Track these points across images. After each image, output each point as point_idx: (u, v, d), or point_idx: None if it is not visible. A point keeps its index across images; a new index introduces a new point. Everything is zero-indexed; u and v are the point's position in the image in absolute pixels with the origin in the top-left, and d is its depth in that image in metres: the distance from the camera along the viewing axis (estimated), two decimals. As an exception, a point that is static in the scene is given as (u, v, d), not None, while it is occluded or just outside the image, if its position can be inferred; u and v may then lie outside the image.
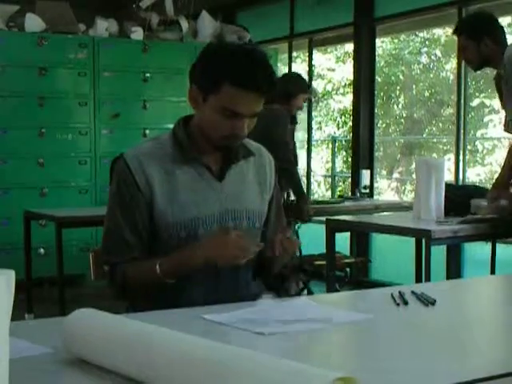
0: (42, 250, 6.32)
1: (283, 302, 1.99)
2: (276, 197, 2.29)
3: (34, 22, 6.64)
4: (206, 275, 2.06)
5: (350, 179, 7.64)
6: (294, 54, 8.34)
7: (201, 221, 2.07)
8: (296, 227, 5.43)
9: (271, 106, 4.14)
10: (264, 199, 2.22)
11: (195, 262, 1.99)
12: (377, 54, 7.28)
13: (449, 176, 6.18)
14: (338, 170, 9.05)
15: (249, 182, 2.18)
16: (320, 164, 9.75)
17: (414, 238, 4.30)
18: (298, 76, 5.60)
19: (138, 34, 7.14)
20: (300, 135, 8.95)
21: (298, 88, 5.31)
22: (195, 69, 2.06)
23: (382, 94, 8.65)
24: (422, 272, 4.13)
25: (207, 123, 2.04)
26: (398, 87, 9.55)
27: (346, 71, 9.47)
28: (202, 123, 2.06)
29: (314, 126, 8.66)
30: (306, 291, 5.63)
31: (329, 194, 8.96)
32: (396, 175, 9.71)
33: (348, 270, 6.21)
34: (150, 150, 2.10)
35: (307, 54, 8.05)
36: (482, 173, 8.33)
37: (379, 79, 8.00)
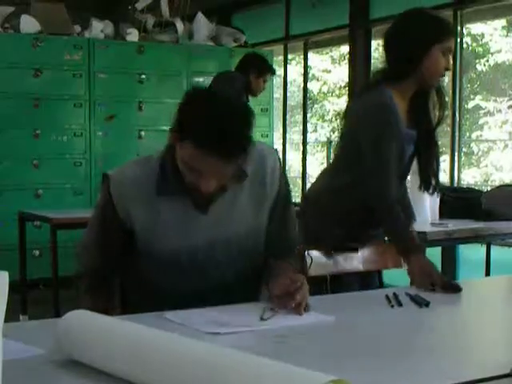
0: (36, 252, 6.31)
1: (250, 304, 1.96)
2: (281, 209, 2.11)
3: (29, 24, 6.63)
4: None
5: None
6: (290, 56, 8.35)
7: (184, 250, 1.98)
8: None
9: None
10: (261, 213, 2.07)
11: None
12: (372, 56, 7.29)
13: (444, 178, 6.19)
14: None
15: (240, 204, 2.02)
16: (315, 166, 9.75)
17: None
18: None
19: (133, 35, 7.14)
20: (295, 137, 8.96)
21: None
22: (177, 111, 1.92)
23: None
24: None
25: (180, 166, 1.90)
26: (394, 89, 9.55)
27: (341, 73, 9.48)
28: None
29: (309, 128, 8.66)
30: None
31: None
32: (391, 177, 9.69)
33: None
34: (135, 175, 1.98)
35: (302, 56, 8.06)
36: (477, 175, 8.34)
37: (374, 81, 7.99)
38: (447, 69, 2.71)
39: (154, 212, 1.97)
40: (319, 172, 3.12)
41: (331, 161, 3.05)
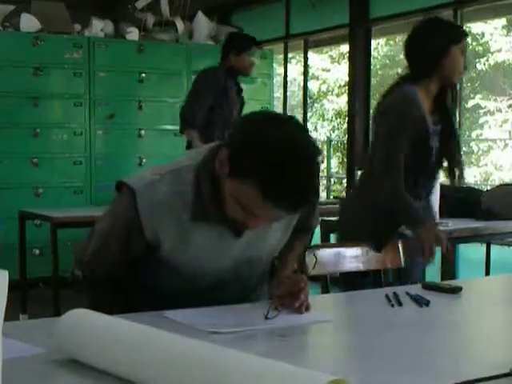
0: (36, 250, 6.31)
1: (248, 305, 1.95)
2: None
3: (29, 22, 6.63)
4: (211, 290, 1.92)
5: (345, 180, 7.65)
6: (290, 54, 8.34)
7: (210, 272, 1.88)
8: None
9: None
10: (288, 231, 2.00)
11: None
12: (372, 55, 7.29)
13: (443, 177, 6.19)
14: (333, 171, 9.05)
15: (274, 227, 1.92)
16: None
17: (408, 239, 4.30)
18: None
19: (133, 34, 7.14)
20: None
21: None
22: (235, 135, 1.75)
23: (377, 95, 8.65)
24: (416, 273, 4.13)
25: (223, 197, 1.75)
26: (394, 88, 9.55)
27: (341, 72, 9.47)
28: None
29: (310, 127, 8.66)
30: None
31: (324, 195, 8.96)
32: (391, 176, 9.70)
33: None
34: (168, 199, 1.79)
35: (302, 54, 8.06)
36: (477, 174, 8.35)
37: (374, 81, 8.00)
38: (465, 67, 3.07)
39: (186, 237, 1.82)
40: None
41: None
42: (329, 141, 8.97)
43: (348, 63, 7.28)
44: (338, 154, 9.55)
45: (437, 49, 2.98)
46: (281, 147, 1.62)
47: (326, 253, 2.61)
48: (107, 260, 1.91)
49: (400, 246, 2.72)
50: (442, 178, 3.44)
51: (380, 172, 2.94)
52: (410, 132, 2.91)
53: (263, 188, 1.62)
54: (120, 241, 1.86)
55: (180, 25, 7.35)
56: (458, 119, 6.33)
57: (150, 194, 1.79)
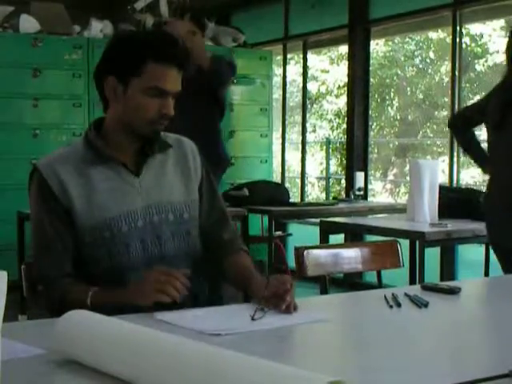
0: (35, 252, 6.30)
1: (233, 306, 1.96)
2: (207, 184, 2.23)
3: (28, 23, 6.63)
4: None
5: (344, 181, 7.65)
6: (289, 55, 8.35)
7: (123, 218, 2.02)
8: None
9: None
10: (191, 189, 2.16)
11: (124, 304, 1.86)
12: (371, 56, 7.29)
13: (443, 178, 6.19)
14: (332, 171, 9.06)
15: (169, 173, 2.13)
16: (314, 166, 9.75)
17: (407, 240, 4.32)
18: None
19: (132, 35, 7.13)
20: (294, 137, 8.96)
21: None
22: (107, 60, 2.04)
23: (376, 96, 8.66)
24: (415, 274, 4.14)
25: (133, 110, 2.01)
26: (393, 89, 9.56)
27: (340, 73, 9.47)
28: (125, 114, 2.03)
29: (309, 128, 8.66)
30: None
31: (323, 195, 8.96)
32: (390, 177, 9.72)
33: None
34: (62, 154, 2.07)
35: (301, 55, 8.06)
36: (476, 175, 8.34)
37: (373, 81, 8.01)
38: None
39: (88, 182, 2.01)
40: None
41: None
42: (328, 141, 8.96)
43: (347, 64, 7.29)
44: (337, 154, 9.55)
45: None
46: (142, 30, 2.15)
47: (324, 253, 2.61)
48: (52, 249, 2.00)
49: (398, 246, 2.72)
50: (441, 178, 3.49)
51: None
52: None
53: (153, 56, 1.96)
54: (49, 222, 2.00)
55: (179, 26, 7.35)
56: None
57: (47, 159, 2.06)
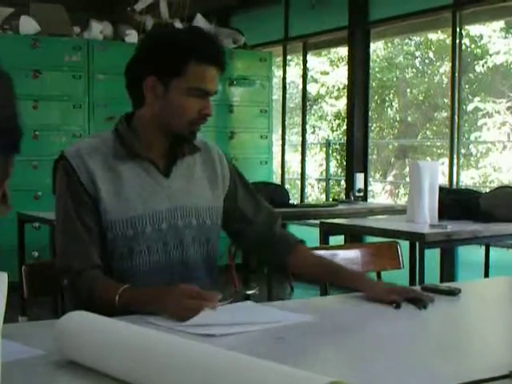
0: (35, 253, 6.31)
1: (229, 306, 1.92)
2: (243, 189, 2.22)
3: (28, 25, 6.63)
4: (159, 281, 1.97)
5: (344, 182, 7.65)
6: (289, 57, 8.35)
7: (148, 218, 1.99)
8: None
9: None
10: (216, 196, 2.14)
11: (150, 310, 1.78)
12: (371, 57, 7.30)
13: (443, 179, 6.20)
14: (332, 173, 9.06)
15: (197, 177, 2.11)
16: (314, 167, 9.75)
17: (407, 242, 4.32)
18: None
19: (132, 36, 7.14)
20: (294, 138, 8.96)
21: None
22: (146, 61, 2.00)
23: (376, 97, 8.67)
24: (415, 275, 4.14)
25: (173, 110, 1.99)
26: (392, 91, 9.57)
27: (339, 75, 9.48)
28: (165, 113, 2.00)
29: (308, 129, 8.67)
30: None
31: (323, 197, 8.96)
32: (390, 178, 9.72)
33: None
34: (91, 145, 2.01)
35: (301, 57, 8.07)
36: (476, 176, 8.35)
37: (373, 83, 8.01)
38: None
39: (116, 177, 1.98)
40: None
41: None
42: (327, 143, 8.96)
43: (347, 66, 7.29)
44: (337, 156, 9.55)
45: None
46: (184, 29, 2.15)
47: (324, 255, 2.60)
48: (80, 240, 1.94)
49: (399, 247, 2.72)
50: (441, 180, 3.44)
51: None
52: None
53: (195, 56, 1.95)
54: (76, 212, 1.95)
55: (179, 27, 7.36)
56: (456, 121, 6.35)
57: (76, 148, 2.00)
